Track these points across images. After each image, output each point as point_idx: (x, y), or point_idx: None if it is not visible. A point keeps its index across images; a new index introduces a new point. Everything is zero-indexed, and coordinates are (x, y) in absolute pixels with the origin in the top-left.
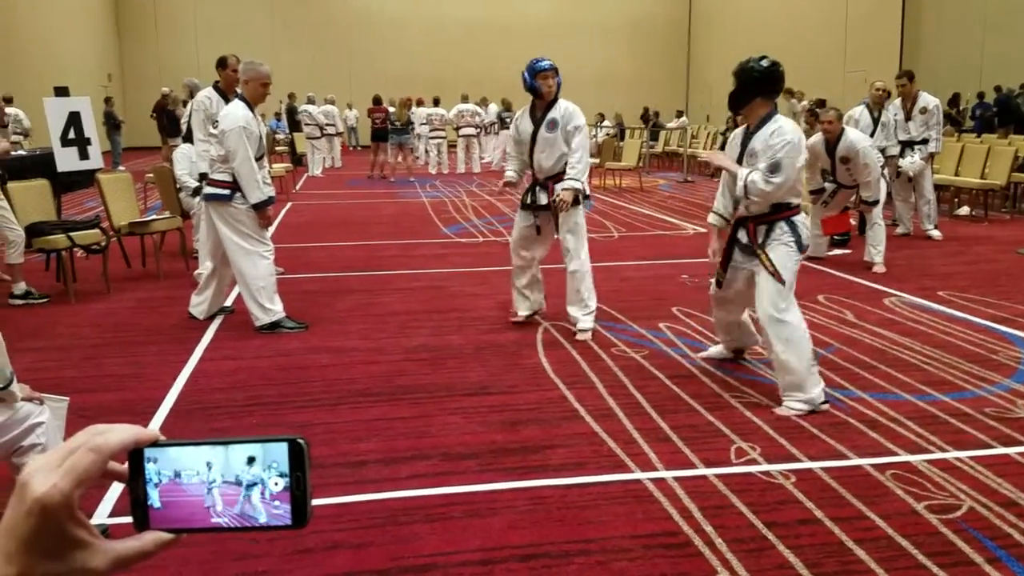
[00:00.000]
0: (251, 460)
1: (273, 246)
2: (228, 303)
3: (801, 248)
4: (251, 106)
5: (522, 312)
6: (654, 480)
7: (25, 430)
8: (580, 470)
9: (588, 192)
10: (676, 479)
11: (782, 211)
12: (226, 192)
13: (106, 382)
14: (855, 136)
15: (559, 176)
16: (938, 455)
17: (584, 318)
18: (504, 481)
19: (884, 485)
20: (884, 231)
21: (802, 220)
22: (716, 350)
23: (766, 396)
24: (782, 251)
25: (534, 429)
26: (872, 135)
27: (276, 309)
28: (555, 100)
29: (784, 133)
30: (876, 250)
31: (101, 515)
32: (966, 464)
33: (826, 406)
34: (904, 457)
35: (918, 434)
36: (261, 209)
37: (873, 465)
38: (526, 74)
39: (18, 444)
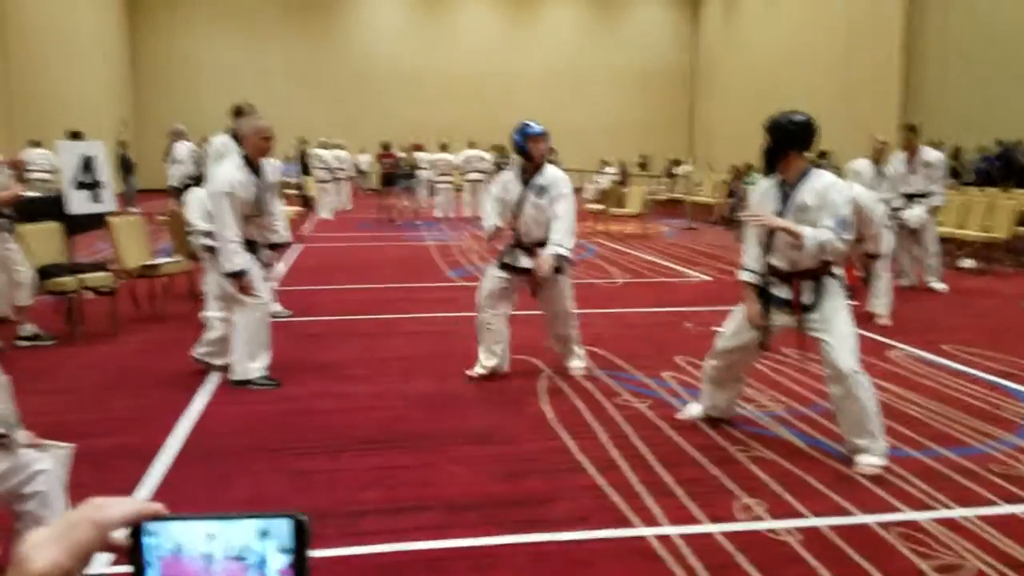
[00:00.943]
0: (252, 536)
1: (267, 298)
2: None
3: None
4: (251, 162)
5: (486, 367)
6: (659, 537)
7: (27, 477)
8: (583, 524)
9: (571, 258)
10: (681, 536)
11: (829, 265)
12: (216, 245)
13: (110, 426)
14: (857, 190)
15: (544, 242)
16: (944, 513)
17: (580, 361)
18: (506, 535)
19: (889, 543)
20: (889, 283)
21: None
22: (696, 410)
23: (771, 450)
24: (843, 304)
25: (536, 480)
26: (874, 188)
27: (255, 367)
28: (542, 165)
29: (842, 188)
30: (880, 302)
31: (103, 561)
32: (972, 523)
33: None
34: (910, 515)
35: (923, 491)
36: (236, 278)
37: (879, 523)
38: (517, 137)
39: (20, 491)
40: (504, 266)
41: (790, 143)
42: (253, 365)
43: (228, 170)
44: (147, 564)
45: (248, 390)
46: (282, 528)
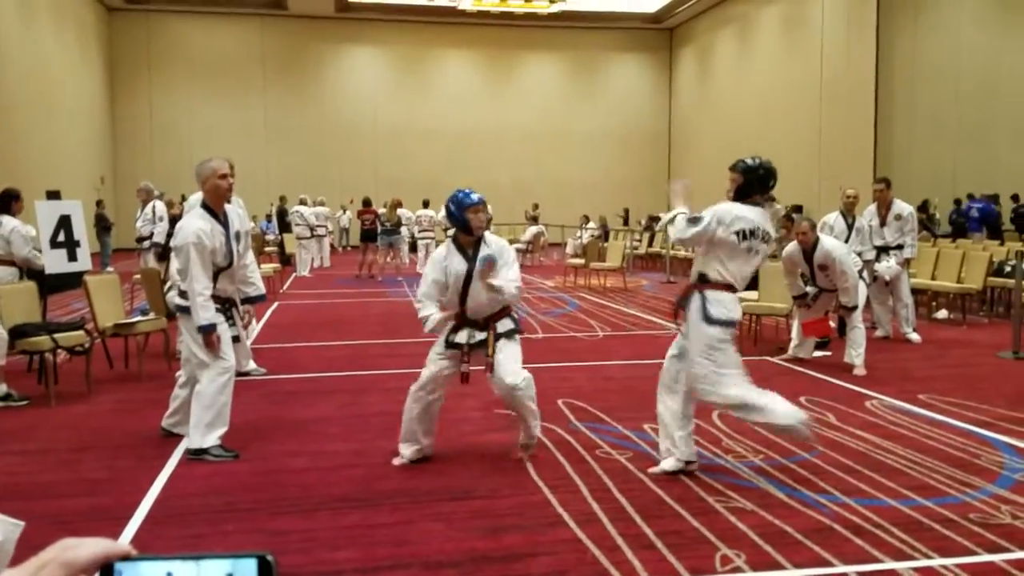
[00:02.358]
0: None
1: (233, 363)
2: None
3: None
4: (214, 212)
5: (409, 456)
6: None
7: None
8: None
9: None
10: None
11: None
12: (187, 303)
13: (82, 487)
14: (831, 244)
15: (497, 315)
16: (923, 563)
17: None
18: None
19: None
20: (864, 333)
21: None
22: (670, 463)
23: (750, 500)
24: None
25: (517, 535)
26: (847, 240)
27: (211, 438)
28: (482, 236)
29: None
30: (856, 352)
31: None
32: (951, 572)
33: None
34: (889, 564)
35: (903, 540)
36: (205, 333)
37: (859, 573)
38: (452, 207)
39: None
40: (452, 344)
41: (757, 184)
42: (210, 436)
43: (191, 221)
44: None
45: (225, 444)
46: (250, 567)
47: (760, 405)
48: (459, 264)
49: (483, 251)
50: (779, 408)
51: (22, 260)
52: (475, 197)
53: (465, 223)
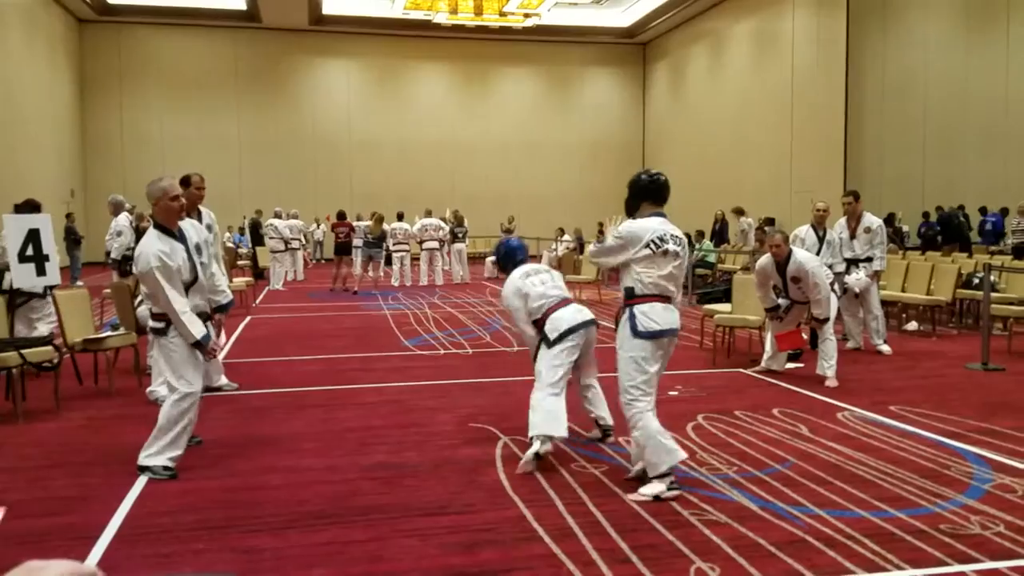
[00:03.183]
0: None
1: (199, 388)
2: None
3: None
4: (169, 231)
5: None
6: None
7: None
8: None
9: None
10: None
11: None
12: (160, 325)
13: (52, 505)
14: (803, 256)
15: None
16: (895, 574)
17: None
18: None
19: None
20: (835, 345)
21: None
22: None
23: (724, 513)
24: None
25: (492, 551)
26: (818, 253)
27: (161, 459)
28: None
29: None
30: (828, 364)
31: None
32: None
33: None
34: None
35: (875, 552)
36: (202, 346)
37: None
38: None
39: None
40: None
41: (642, 195)
42: (160, 457)
43: (149, 244)
44: None
45: (194, 462)
46: None
47: (653, 443)
48: None
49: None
50: (667, 452)
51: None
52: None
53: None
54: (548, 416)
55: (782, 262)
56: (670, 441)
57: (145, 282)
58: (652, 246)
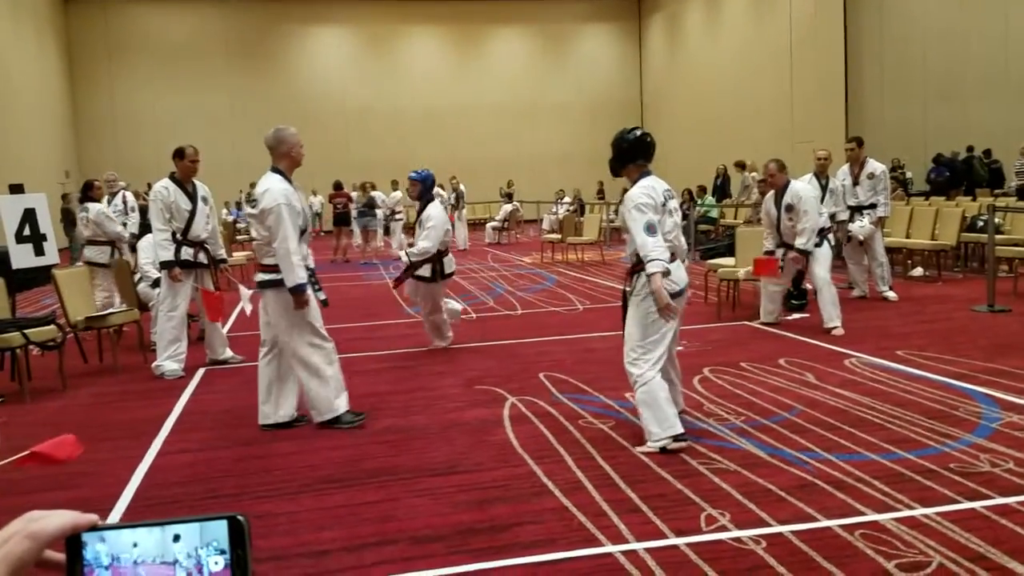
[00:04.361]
0: (189, 538)
1: (332, 341)
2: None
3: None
4: (288, 179)
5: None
6: (625, 552)
7: None
8: (550, 547)
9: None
10: (647, 550)
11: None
12: (278, 276)
13: (62, 480)
14: (801, 186)
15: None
16: (906, 513)
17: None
18: (473, 563)
19: (854, 546)
20: (835, 293)
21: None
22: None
23: (733, 461)
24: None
25: (502, 507)
26: (821, 202)
27: (341, 403)
28: (427, 203)
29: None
30: (832, 313)
31: None
32: (934, 521)
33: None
34: (872, 516)
35: (885, 493)
36: (298, 293)
37: (842, 526)
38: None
39: None
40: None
41: (627, 155)
42: (338, 403)
43: (276, 183)
44: (86, 573)
45: (202, 435)
46: (220, 529)
47: (654, 410)
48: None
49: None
50: (666, 413)
51: (115, 235)
52: (411, 175)
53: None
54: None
55: (779, 193)
56: (672, 410)
57: (266, 218)
58: (663, 208)
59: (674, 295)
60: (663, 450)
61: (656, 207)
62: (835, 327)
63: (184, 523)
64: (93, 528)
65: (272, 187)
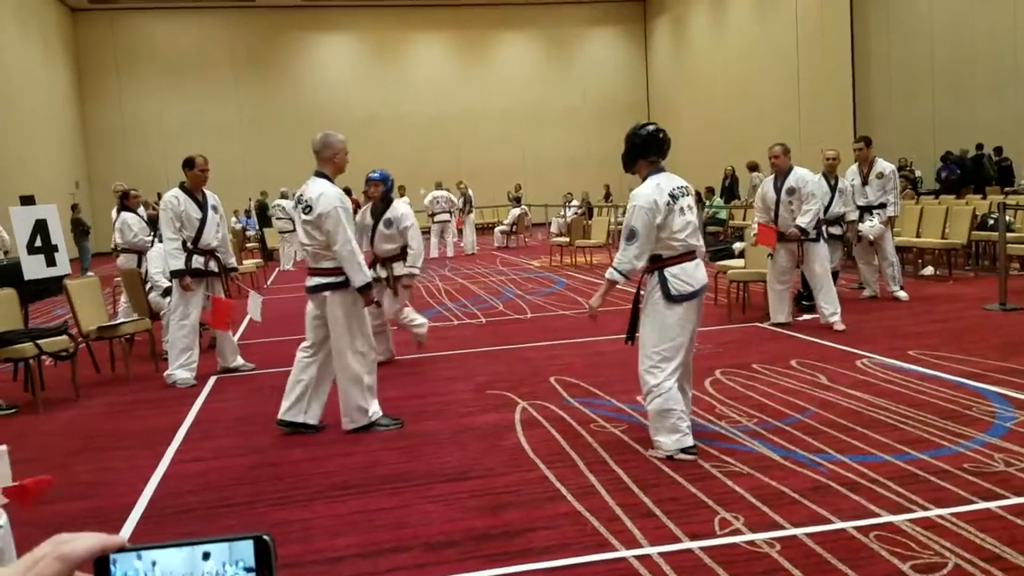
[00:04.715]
0: (215, 559)
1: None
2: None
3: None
4: (333, 182)
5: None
6: (639, 557)
7: None
8: (564, 552)
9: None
10: (661, 555)
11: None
12: (340, 279)
13: (77, 490)
14: (806, 172)
15: (395, 257)
16: (920, 514)
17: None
18: (486, 568)
19: (869, 547)
20: (834, 290)
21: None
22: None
23: (746, 464)
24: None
25: (515, 512)
26: (830, 202)
27: (374, 410)
28: (390, 203)
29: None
30: (829, 310)
31: None
32: (948, 521)
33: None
34: (887, 518)
35: (899, 494)
36: (366, 291)
37: (856, 528)
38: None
39: None
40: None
41: (637, 151)
42: (372, 408)
43: (327, 188)
44: None
45: (215, 443)
46: (246, 549)
47: (665, 422)
48: (369, 219)
49: (388, 214)
50: (679, 426)
51: (132, 244)
52: (374, 175)
53: (365, 192)
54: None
55: (782, 176)
56: (685, 423)
57: (324, 223)
58: (668, 207)
59: (687, 296)
60: (670, 458)
61: (659, 209)
62: (836, 323)
63: (212, 543)
64: (121, 549)
65: (326, 191)
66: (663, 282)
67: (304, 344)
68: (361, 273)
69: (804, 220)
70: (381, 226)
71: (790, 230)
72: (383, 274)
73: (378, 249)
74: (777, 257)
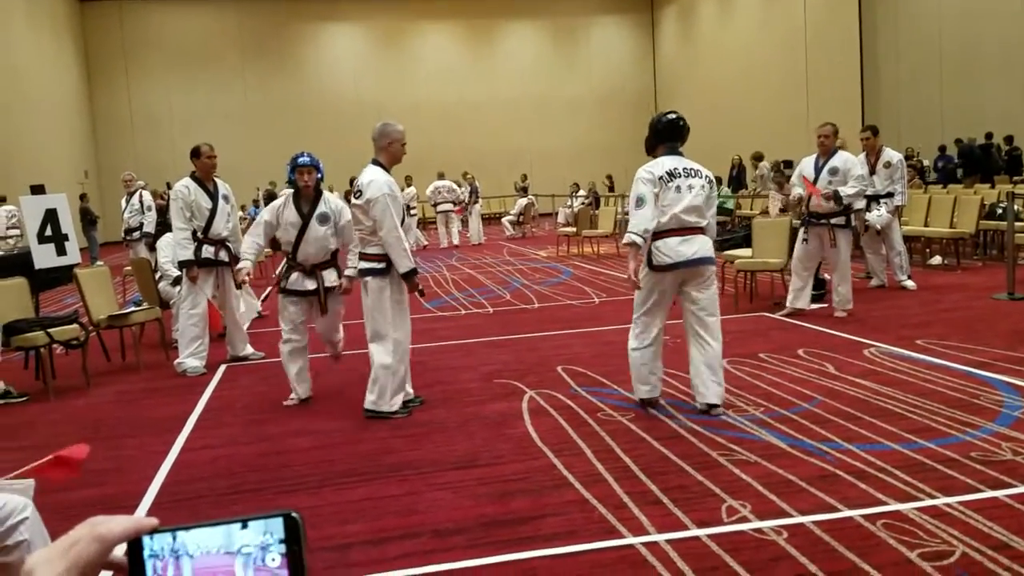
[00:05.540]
0: (249, 536)
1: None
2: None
3: None
4: (388, 171)
5: (302, 394)
6: (647, 544)
7: (9, 528)
8: (571, 538)
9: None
10: (668, 542)
11: None
12: (381, 265)
13: (88, 478)
14: (850, 155)
15: (325, 264)
16: (928, 502)
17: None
18: (495, 555)
19: (876, 535)
20: (848, 278)
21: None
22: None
23: (753, 452)
24: None
25: (523, 499)
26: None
27: (396, 401)
28: (320, 194)
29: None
30: (847, 296)
31: None
32: (956, 510)
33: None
34: (894, 506)
35: (907, 482)
36: (411, 278)
37: (864, 516)
38: (288, 167)
39: (3, 543)
40: (290, 292)
41: (656, 137)
42: (395, 400)
43: (378, 175)
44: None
45: (225, 431)
46: (276, 526)
47: (634, 371)
48: (293, 216)
49: (321, 208)
50: (637, 377)
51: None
52: (305, 159)
53: (293, 182)
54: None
55: (826, 156)
56: (647, 377)
57: (372, 208)
58: (663, 180)
59: (666, 268)
60: (641, 402)
61: (654, 181)
62: (838, 310)
63: (243, 521)
64: (154, 531)
65: (376, 178)
66: (648, 252)
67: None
68: (407, 259)
69: (847, 191)
70: (315, 222)
71: (826, 191)
72: (311, 286)
73: (305, 254)
74: (810, 241)
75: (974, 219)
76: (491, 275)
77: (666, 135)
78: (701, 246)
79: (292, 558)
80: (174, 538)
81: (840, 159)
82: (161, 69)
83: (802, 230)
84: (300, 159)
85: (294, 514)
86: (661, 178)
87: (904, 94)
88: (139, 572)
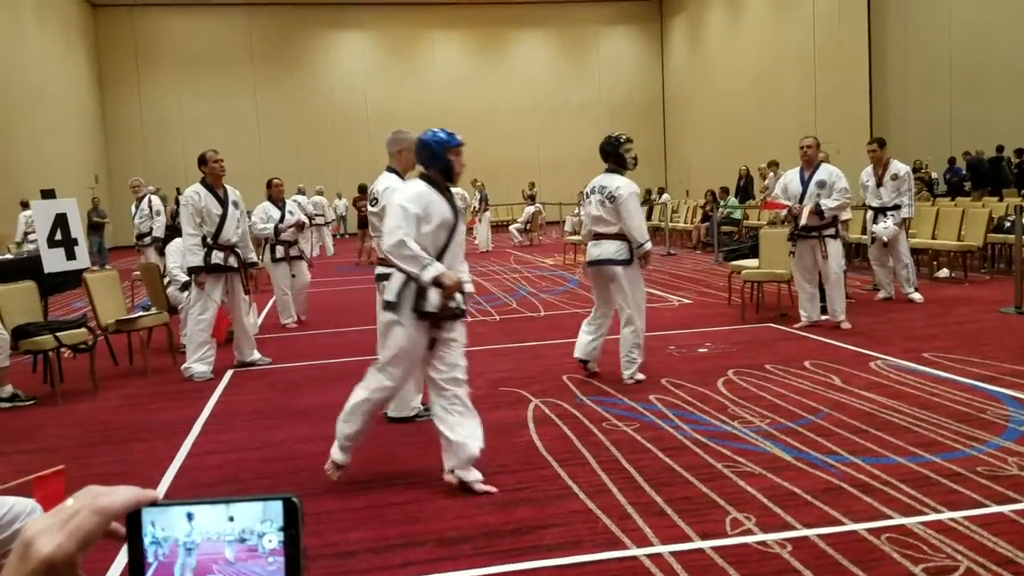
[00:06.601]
0: (240, 516)
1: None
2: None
3: None
4: (402, 177)
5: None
6: (650, 556)
7: (15, 532)
8: (575, 549)
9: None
10: (672, 554)
11: None
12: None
13: (95, 481)
14: (834, 167)
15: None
16: (933, 516)
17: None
18: (498, 564)
19: (880, 549)
20: (842, 293)
21: None
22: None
23: (758, 465)
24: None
25: (527, 509)
26: (801, 199)
27: (415, 404)
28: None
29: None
30: (840, 306)
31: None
32: (961, 524)
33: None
34: (899, 520)
35: (911, 496)
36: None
37: (868, 529)
38: (436, 148)
39: (6, 548)
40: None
41: (604, 156)
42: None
43: (395, 181)
44: (145, 549)
45: (231, 436)
46: (275, 510)
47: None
48: (448, 213)
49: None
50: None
51: (258, 235)
52: (460, 138)
53: (451, 168)
54: None
55: (810, 170)
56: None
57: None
58: (584, 196)
59: (588, 264)
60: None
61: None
62: (842, 321)
63: (243, 502)
64: (154, 503)
65: (391, 185)
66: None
67: None
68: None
69: (830, 204)
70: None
71: (810, 206)
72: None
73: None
74: (800, 255)
75: (982, 232)
76: (498, 283)
77: (608, 153)
78: (604, 249)
79: (289, 541)
80: (173, 512)
81: (826, 171)
82: (172, 75)
83: (791, 244)
84: (455, 139)
85: (293, 498)
86: (584, 194)
87: (913, 106)
88: (137, 545)
